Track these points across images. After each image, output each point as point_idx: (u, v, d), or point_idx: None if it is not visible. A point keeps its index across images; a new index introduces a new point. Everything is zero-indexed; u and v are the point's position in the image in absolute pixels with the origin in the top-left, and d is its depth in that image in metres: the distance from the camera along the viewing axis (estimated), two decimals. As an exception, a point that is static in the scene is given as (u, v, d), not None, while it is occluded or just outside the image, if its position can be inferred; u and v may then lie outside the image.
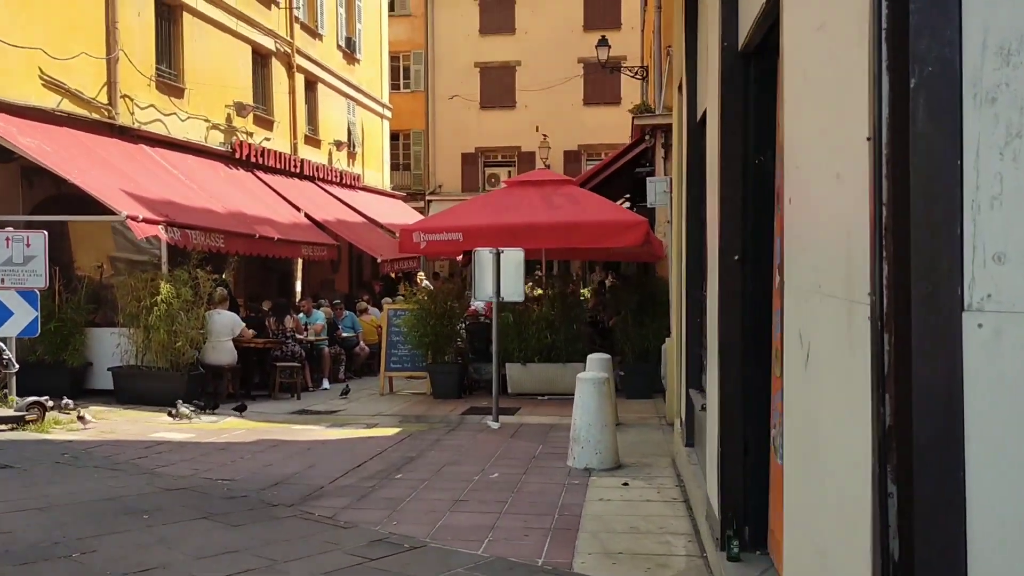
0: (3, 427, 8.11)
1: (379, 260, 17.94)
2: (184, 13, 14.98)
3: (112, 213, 10.09)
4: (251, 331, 11.19)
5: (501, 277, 8.79)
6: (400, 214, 24.49)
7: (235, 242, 12.14)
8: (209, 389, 10.62)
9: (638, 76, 20.38)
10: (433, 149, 31.47)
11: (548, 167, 30.10)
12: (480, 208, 11.56)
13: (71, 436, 8.28)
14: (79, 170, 10.31)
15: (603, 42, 20.17)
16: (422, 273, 22.97)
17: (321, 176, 20.43)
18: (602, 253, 14.41)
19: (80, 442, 8.00)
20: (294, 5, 19.31)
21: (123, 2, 13.06)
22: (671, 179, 9.69)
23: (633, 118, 13.15)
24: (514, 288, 8.84)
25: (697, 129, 6.06)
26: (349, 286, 21.99)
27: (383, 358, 12.26)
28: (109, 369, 10.32)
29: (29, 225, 9.97)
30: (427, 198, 31.02)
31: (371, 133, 25.71)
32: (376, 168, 26.15)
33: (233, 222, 12.79)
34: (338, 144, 22.59)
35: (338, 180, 21.58)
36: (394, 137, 29.18)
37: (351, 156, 23.73)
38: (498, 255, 8.87)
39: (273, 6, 18.42)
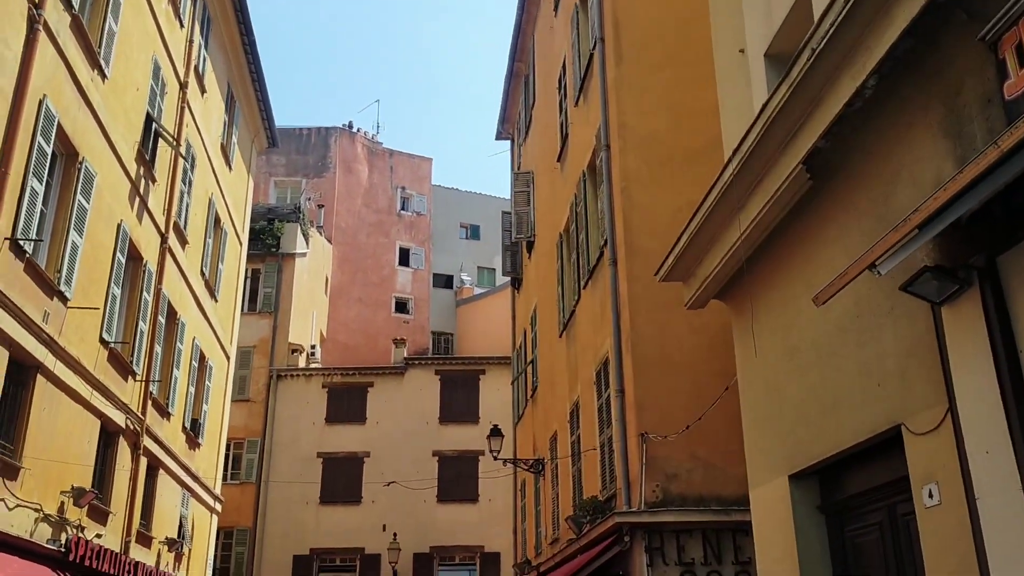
0: None
1: None
2: (38, 376, 12.07)
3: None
4: None
5: None
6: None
7: None
8: None
9: (532, 470, 18.80)
10: (260, 549, 27.27)
11: (396, 573, 26.79)
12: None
13: None
14: None
15: (496, 431, 18.74)
16: None
17: (152, 584, 16.28)
18: None
19: None
20: (151, 378, 16.71)
21: (-26, 354, 10.15)
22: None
23: (612, 514, 11.20)
24: None
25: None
26: None
27: None
28: None
29: None
30: (248, 611, 26.14)
31: (200, 529, 21.79)
32: (199, 573, 21.79)
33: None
34: (170, 543, 18.64)
35: (168, 589, 17.37)
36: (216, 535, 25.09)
37: (178, 557, 19.60)
38: None
39: (131, 377, 15.74)
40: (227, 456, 25.81)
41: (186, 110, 18.25)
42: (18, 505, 11.60)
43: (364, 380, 29.80)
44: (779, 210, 6.18)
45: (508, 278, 26.04)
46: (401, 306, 40.50)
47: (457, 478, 27.79)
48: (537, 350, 19.76)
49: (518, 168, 23.82)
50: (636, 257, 11.95)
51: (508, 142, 26.51)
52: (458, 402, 29.15)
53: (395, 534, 26.74)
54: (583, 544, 12.52)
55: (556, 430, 16.74)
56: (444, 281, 44.28)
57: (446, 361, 31.59)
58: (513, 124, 25.25)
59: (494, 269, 44.36)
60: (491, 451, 18.75)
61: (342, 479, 27.90)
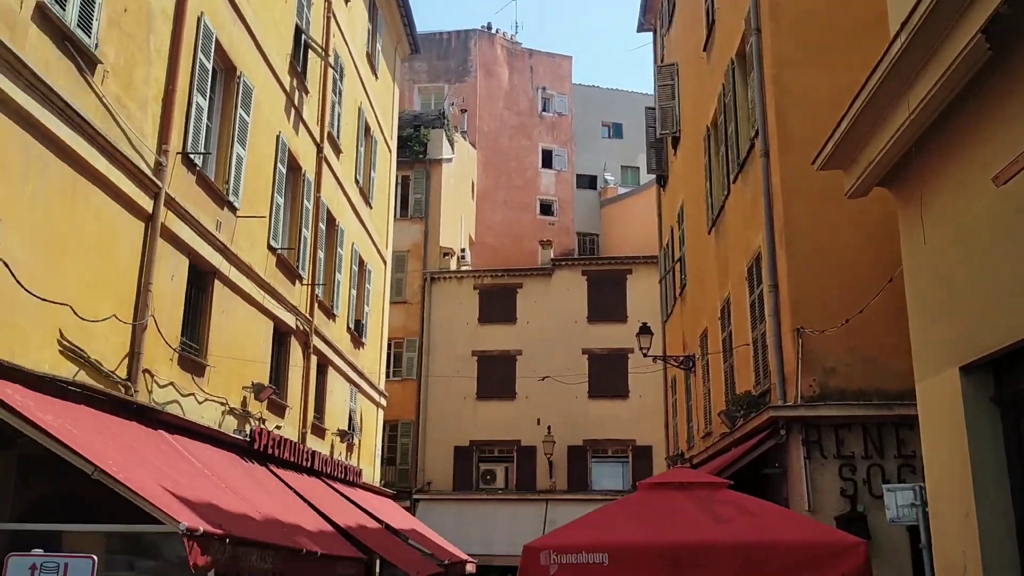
0: None
1: (415, 578, 14.74)
2: (216, 280, 13.02)
3: (153, 521, 7.28)
4: None
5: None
6: (401, 518, 21.36)
7: (287, 562, 9.15)
8: None
9: (682, 366, 18.81)
10: (423, 442, 28.87)
11: (551, 464, 27.75)
12: (623, 519, 9.00)
13: None
14: (116, 464, 7.58)
15: (645, 329, 18.79)
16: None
17: (328, 471, 17.62)
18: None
19: None
20: (316, 282, 17.68)
21: (160, 261, 11.04)
22: (920, 488, 7.50)
23: (767, 408, 11.13)
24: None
25: None
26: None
27: None
28: None
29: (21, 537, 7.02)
30: (414, 496, 27.88)
31: (367, 422, 23.24)
32: (368, 462, 23.35)
33: (275, 534, 9.88)
34: (342, 434, 20.02)
35: (342, 476, 18.74)
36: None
37: (350, 448, 21.05)
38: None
39: (297, 282, 16.71)
40: (389, 355, 27.20)
41: (332, 20, 18.60)
42: (207, 399, 12.73)
43: (513, 281, 30.38)
44: (953, 86, 5.72)
45: (653, 176, 25.56)
46: (546, 208, 40.63)
47: (607, 375, 28.18)
48: (685, 248, 19.47)
49: (661, 61, 23.01)
50: (789, 147, 11.46)
51: (650, 34, 25.58)
52: (605, 301, 29.29)
53: (549, 427, 27.60)
54: (737, 438, 12.53)
55: (706, 327, 16.60)
56: (587, 182, 43.93)
57: (592, 261, 31.68)
58: (655, 14, 24.29)
59: (638, 168, 43.54)
60: (640, 348, 18.87)
61: (496, 376, 28.88)
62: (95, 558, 5.42)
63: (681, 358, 18.93)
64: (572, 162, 41.75)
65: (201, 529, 7.25)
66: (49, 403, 8.11)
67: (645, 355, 18.91)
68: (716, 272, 15.61)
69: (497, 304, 29.87)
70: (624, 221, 38.94)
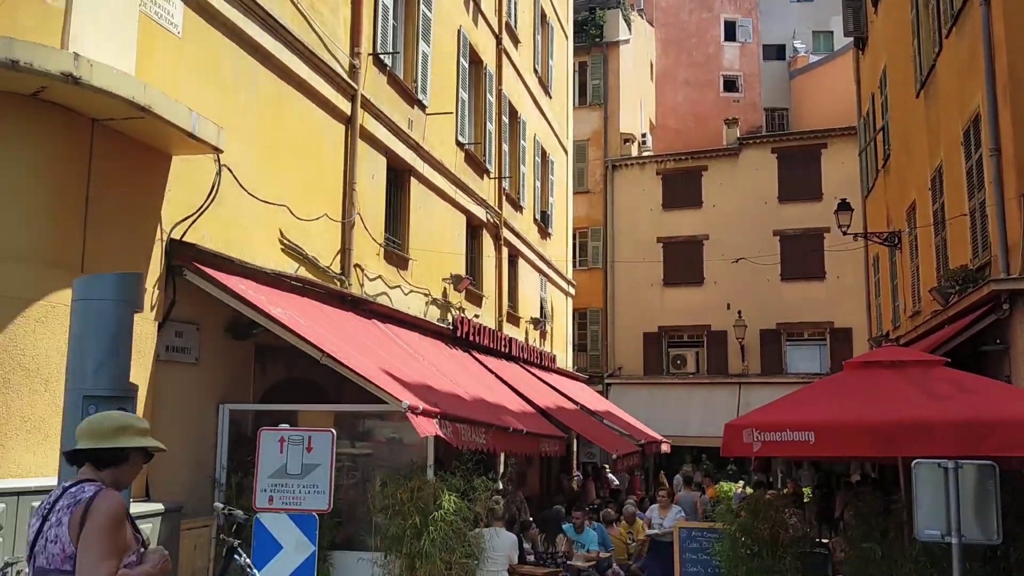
0: None
1: (614, 456, 15.26)
2: (411, 178, 13.54)
3: (377, 401, 7.94)
4: (531, 557, 8.57)
5: (961, 504, 5.97)
6: (595, 400, 21.97)
7: (495, 438, 9.75)
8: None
9: (887, 243, 17.76)
10: (612, 328, 29.25)
11: (743, 348, 27.42)
12: (829, 398, 8.85)
13: None
14: (340, 350, 8.28)
15: (844, 205, 17.83)
16: (608, 468, 20.15)
17: (524, 357, 18.32)
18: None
19: None
20: (502, 175, 18.00)
21: (361, 161, 11.60)
22: None
23: (987, 282, 10.39)
24: (984, 523, 5.97)
25: None
26: (540, 483, 19.30)
27: (674, 594, 9.37)
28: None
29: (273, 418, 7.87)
30: (606, 381, 28.49)
31: (557, 310, 23.80)
32: (561, 348, 24.01)
33: (484, 413, 10.50)
34: (534, 322, 20.65)
35: (537, 361, 19.43)
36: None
37: (543, 335, 21.71)
38: (955, 470, 6.08)
39: (485, 176, 17.07)
40: (574, 244, 27.47)
41: (503, -95, 18.23)
42: (411, 291, 13.48)
43: (697, 164, 29.52)
44: None
45: (849, 40, 23.65)
46: (729, 84, 38.70)
47: (801, 256, 27.11)
48: (888, 115, 18.08)
49: (859, -92, 20.91)
50: (1016, -10, 10.24)
51: None
52: (797, 179, 27.90)
53: (739, 312, 27.11)
54: (951, 315, 11.81)
55: (914, 199, 15.52)
56: (775, 52, 41.26)
57: (782, 138, 30.09)
58: None
59: (831, 32, 40.34)
60: (840, 226, 17.96)
61: (683, 261, 28.51)
62: (334, 432, 6.00)
63: (885, 234, 17.86)
64: (757, 32, 39.27)
65: (421, 407, 7.82)
66: (278, 296, 8.88)
67: (845, 233, 17.99)
68: (926, 139, 14.44)
69: (681, 188, 29.20)
70: (817, 92, 36.50)
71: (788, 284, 27.39)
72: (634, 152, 31.15)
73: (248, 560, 5.57)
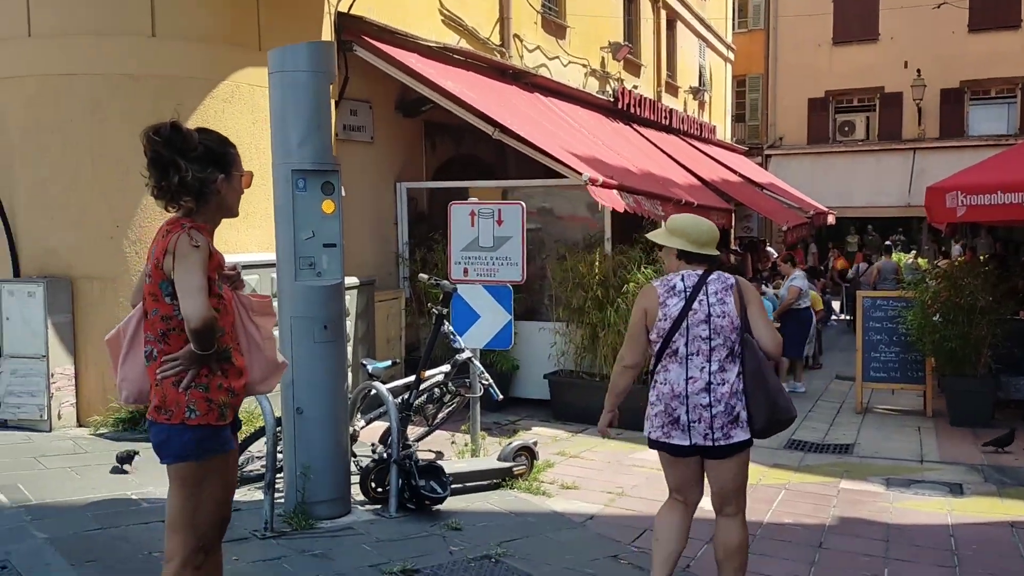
0: (482, 483, 5.41)
1: (784, 228, 14.78)
2: (565, -64, 12.59)
3: (556, 175, 7.80)
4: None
5: None
6: (757, 172, 21.11)
7: (668, 210, 9.52)
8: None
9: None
10: (773, 95, 27.50)
11: (920, 110, 25.34)
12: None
13: (575, 505, 5.27)
14: (514, 125, 8.08)
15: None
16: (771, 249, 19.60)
17: (684, 128, 17.60)
18: None
19: (600, 518, 5.04)
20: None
21: (516, -78, 10.80)
22: None
23: None
24: None
25: None
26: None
27: (859, 363, 9.22)
28: (545, 376, 8.11)
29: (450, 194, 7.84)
30: (765, 152, 27.23)
31: (716, 78, 22.50)
32: (719, 119, 22.93)
33: (654, 185, 10.23)
34: (693, 91, 19.66)
35: (697, 132, 18.65)
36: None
37: (701, 106, 20.71)
38: None
39: (641, -70, 15.70)
40: (733, 2, 25.43)
41: None
42: (570, 62, 12.93)
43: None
44: None
45: None
46: None
47: (994, 2, 24.06)
48: None
49: None
50: None
51: None
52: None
53: (918, 70, 24.69)
54: None
55: None
56: None
57: None
58: None
59: None
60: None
61: (855, 14, 25.89)
62: (523, 204, 5.93)
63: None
64: None
65: (601, 179, 7.63)
66: (444, 71, 8.66)
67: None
68: None
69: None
70: None
71: (976, 36, 24.51)
72: None
73: (451, 328, 5.77)
